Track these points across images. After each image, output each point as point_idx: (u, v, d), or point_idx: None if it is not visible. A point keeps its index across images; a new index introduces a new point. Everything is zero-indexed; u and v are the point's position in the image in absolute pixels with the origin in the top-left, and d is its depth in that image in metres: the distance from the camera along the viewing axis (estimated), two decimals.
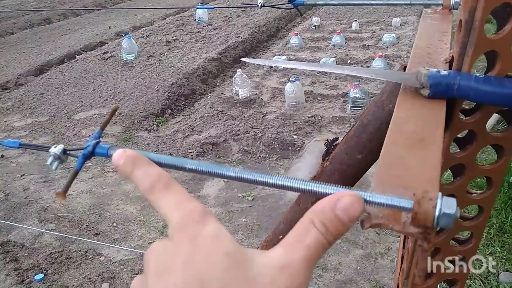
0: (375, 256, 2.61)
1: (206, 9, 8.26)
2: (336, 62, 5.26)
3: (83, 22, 9.26)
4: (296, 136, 3.98)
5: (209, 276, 0.27)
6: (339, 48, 6.00)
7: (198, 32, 7.47)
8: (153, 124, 4.68)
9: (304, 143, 3.90)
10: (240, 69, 4.85)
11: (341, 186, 0.36)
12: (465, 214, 0.70)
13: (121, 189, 3.43)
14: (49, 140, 4.26)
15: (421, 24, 0.79)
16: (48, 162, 0.46)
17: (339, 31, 6.22)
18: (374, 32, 6.50)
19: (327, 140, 0.76)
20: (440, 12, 0.83)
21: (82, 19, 9.62)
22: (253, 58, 6.46)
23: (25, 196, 3.38)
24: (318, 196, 0.36)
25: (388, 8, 7.61)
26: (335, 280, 2.46)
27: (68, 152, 0.47)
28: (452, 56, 0.61)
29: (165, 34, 7.43)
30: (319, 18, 7.27)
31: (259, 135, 4.11)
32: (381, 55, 5.10)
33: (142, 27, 8.32)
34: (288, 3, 0.94)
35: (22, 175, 3.68)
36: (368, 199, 0.34)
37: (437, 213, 0.32)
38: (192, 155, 4.06)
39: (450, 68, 0.59)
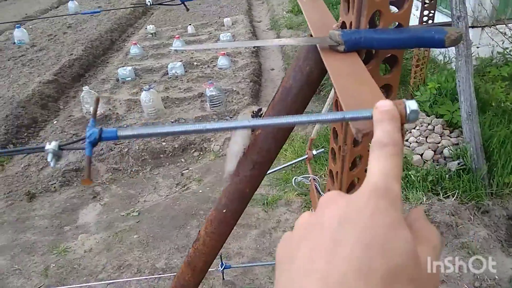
0: (269, 231, 2.84)
1: (24, 30, 7.42)
2: (184, 65, 5.37)
3: None
4: (165, 143, 3.97)
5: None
6: (182, 52, 6.13)
7: (22, 55, 6.67)
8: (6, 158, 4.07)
9: (175, 147, 3.92)
10: (86, 86, 4.55)
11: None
12: None
13: None
14: None
15: (302, 4, 0.95)
16: (49, 159, 0.45)
17: (178, 36, 6.34)
18: (210, 33, 6.82)
19: (253, 111, 0.86)
20: None
21: None
22: (95, 72, 6.10)
23: None
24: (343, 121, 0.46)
25: (217, 10, 8.06)
26: (241, 263, 2.60)
27: (63, 147, 0.47)
28: (342, 22, 0.78)
29: None
30: (153, 25, 7.26)
31: (126, 149, 3.96)
32: (224, 53, 5.41)
33: None
34: None
35: None
36: (354, 116, 0.46)
37: (408, 111, 0.45)
38: (55, 186, 3.68)
39: None
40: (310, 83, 0.79)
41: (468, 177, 2.57)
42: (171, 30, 7.24)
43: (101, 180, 3.73)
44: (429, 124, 3.17)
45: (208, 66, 5.49)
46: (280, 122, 0.48)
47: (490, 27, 3.59)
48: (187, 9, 1.03)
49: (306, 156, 1.31)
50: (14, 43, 7.20)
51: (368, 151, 0.87)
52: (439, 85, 3.28)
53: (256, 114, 0.86)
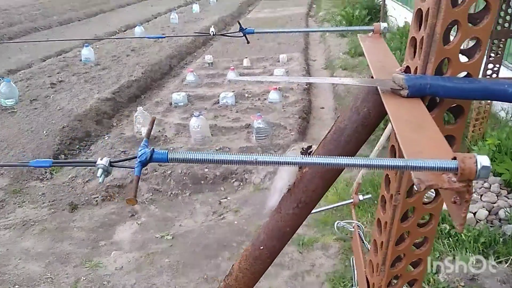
0: (302, 274, 2.72)
1: (91, 49, 7.96)
2: (235, 96, 5.48)
3: None
4: (207, 169, 4.00)
5: None
6: (235, 83, 6.27)
7: (86, 72, 7.12)
8: (46, 172, 4.27)
9: (216, 175, 3.94)
10: (141, 107, 4.75)
11: None
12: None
13: (19, 247, 3.03)
14: None
15: (364, 45, 0.93)
16: (98, 174, 0.45)
17: (233, 67, 6.52)
18: (265, 67, 6.96)
19: (302, 148, 0.83)
20: (373, 36, 0.99)
21: None
22: (151, 95, 6.38)
23: None
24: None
25: (274, 46, 8.25)
26: None
27: (113, 164, 0.46)
28: (407, 67, 0.74)
29: (49, 76, 6.91)
30: (211, 56, 7.53)
31: (169, 172, 4.03)
32: (276, 88, 5.47)
33: (19, 70, 7.62)
34: (239, 32, 1.01)
35: None
36: (418, 165, 0.41)
37: (479, 166, 0.40)
38: (97, 200, 3.79)
39: None
40: (366, 125, 0.75)
41: None
42: (227, 61, 7.47)
43: (141, 200, 3.80)
44: (485, 181, 2.97)
45: (259, 99, 5.56)
46: (334, 162, 0.45)
47: None
48: (248, 42, 1.04)
49: (352, 200, 1.25)
50: (81, 60, 7.72)
51: (423, 204, 0.81)
52: (499, 141, 3.10)
53: (306, 151, 0.83)
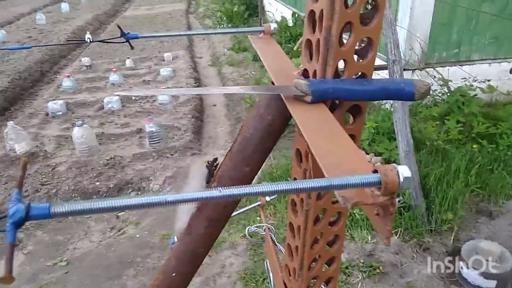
0: (213, 278, 2.68)
1: None
2: (121, 100, 5.15)
3: None
4: (99, 183, 3.69)
5: None
6: (119, 86, 5.90)
7: None
8: None
9: (110, 188, 3.66)
10: (11, 121, 4.18)
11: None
12: None
13: None
14: None
15: (257, 47, 0.90)
16: None
17: (115, 69, 6.13)
18: (150, 67, 6.68)
19: (208, 162, 0.77)
20: (264, 37, 0.97)
21: None
22: (22, 106, 5.65)
23: None
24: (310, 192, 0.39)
25: (157, 44, 7.97)
26: None
27: None
28: (304, 70, 0.73)
29: None
30: (89, 58, 6.97)
31: (54, 190, 3.64)
32: (165, 88, 5.29)
33: None
34: (121, 37, 0.91)
35: None
36: (343, 183, 0.39)
37: (401, 178, 0.39)
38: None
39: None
40: (272, 132, 0.72)
41: (409, 215, 2.64)
42: (107, 63, 6.99)
43: (25, 226, 3.34)
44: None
45: (148, 101, 5.32)
46: (242, 192, 0.41)
47: (420, 70, 3.85)
48: (132, 47, 0.93)
49: (259, 202, 1.23)
50: None
51: (332, 203, 0.82)
52: (377, 124, 3.42)
53: (211, 165, 0.77)
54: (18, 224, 0.34)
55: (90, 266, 2.85)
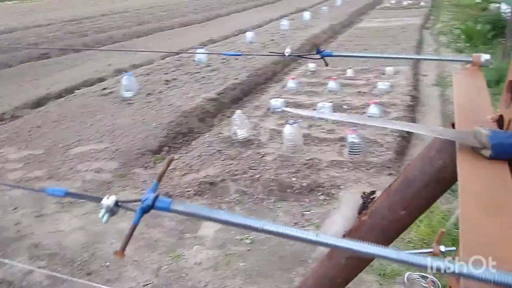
0: None
1: (205, 51, 8.47)
2: (333, 107, 5.36)
3: (83, 58, 9.39)
4: (294, 179, 3.97)
5: None
6: (335, 94, 6.14)
7: (197, 72, 7.61)
8: (150, 161, 4.65)
9: (303, 186, 3.88)
10: (239, 110, 4.91)
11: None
12: None
13: (115, 227, 3.34)
14: (44, 174, 4.18)
15: (455, 80, 0.81)
16: (100, 215, 0.45)
17: (335, 77, 6.39)
18: (369, 79, 6.69)
19: (364, 193, 0.75)
20: (470, 69, 0.86)
21: (82, 55, 9.76)
22: (252, 98, 6.56)
23: (17, 231, 3.28)
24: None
25: None
26: None
27: (120, 204, 0.46)
28: (501, 115, 0.62)
29: (165, 73, 7.55)
30: (315, 64, 7.48)
31: (257, 176, 4.09)
32: (377, 102, 5.22)
33: (142, 66, 8.45)
34: (316, 54, 0.96)
35: (14, 209, 3.58)
36: (477, 275, 0.33)
37: None
38: (189, 194, 4.01)
39: (500, 127, 0.60)
40: (441, 180, 0.65)
41: None
42: (330, 70, 7.35)
43: (229, 199, 3.91)
44: None
45: (358, 112, 5.36)
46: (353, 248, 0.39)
47: None
48: (326, 64, 0.98)
49: (431, 250, 1.11)
50: (194, 61, 8.28)
51: None
52: None
53: (367, 197, 0.75)
54: (145, 210, 0.43)
55: (268, 252, 3.12)
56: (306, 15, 13.40)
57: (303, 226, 3.48)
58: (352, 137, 4.17)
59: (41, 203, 3.67)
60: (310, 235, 0.37)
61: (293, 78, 6.56)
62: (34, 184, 4.03)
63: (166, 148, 4.95)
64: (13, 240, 3.18)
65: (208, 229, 3.48)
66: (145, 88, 6.66)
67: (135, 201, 0.43)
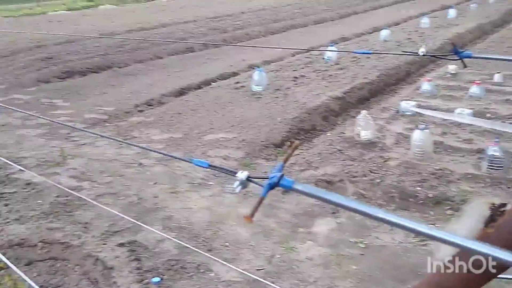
0: None
1: (335, 48, 8.41)
2: (473, 114, 4.85)
3: (220, 53, 10.17)
4: (419, 188, 3.73)
5: None
6: (477, 100, 5.53)
7: (325, 70, 7.61)
8: (272, 153, 4.84)
9: (428, 197, 3.62)
10: (365, 110, 4.78)
11: None
12: None
13: (236, 211, 3.59)
14: (180, 155, 4.69)
15: None
16: (234, 186, 0.52)
17: (479, 81, 5.75)
18: None
19: (493, 204, 0.70)
20: None
21: (220, 50, 10.58)
22: (380, 99, 6.32)
23: (154, 203, 3.75)
24: None
25: None
26: None
27: (251, 179, 0.52)
28: None
29: (293, 70, 7.73)
30: (456, 66, 6.84)
31: (378, 180, 3.96)
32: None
33: (273, 62, 8.80)
34: (453, 54, 0.91)
35: (154, 183, 4.11)
36: None
37: None
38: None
39: None
40: None
41: None
42: (473, 74, 6.64)
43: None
44: None
45: (503, 121, 4.76)
46: None
47: None
48: (465, 66, 0.92)
49: None
50: (323, 58, 8.29)
51: None
52: None
53: (496, 209, 0.70)
54: (271, 186, 0.48)
55: (383, 259, 3.00)
56: (451, 12, 12.28)
57: (424, 239, 3.25)
58: (493, 150, 3.74)
59: (176, 181, 4.14)
60: (435, 231, 0.38)
61: (429, 80, 6.11)
62: (171, 164, 4.55)
63: (288, 143, 5.10)
64: (150, 210, 3.66)
65: (322, 227, 3.50)
66: (273, 83, 6.93)
67: (263, 178, 0.50)
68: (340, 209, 3.70)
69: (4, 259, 2.86)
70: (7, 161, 4.14)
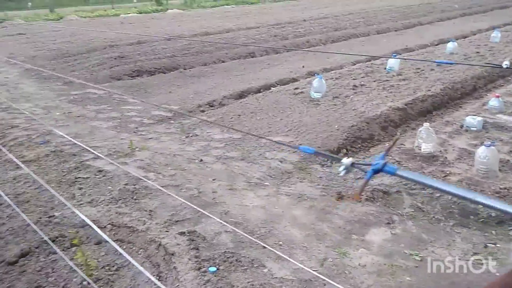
0: None
1: (398, 59, 8.25)
2: None
3: (281, 59, 10.33)
4: (481, 206, 3.60)
5: None
6: None
7: (387, 80, 7.50)
8: (327, 160, 4.87)
9: (491, 215, 3.50)
10: (427, 123, 4.68)
11: None
12: None
13: (290, 213, 3.68)
14: (238, 155, 4.87)
15: None
16: (340, 169, 0.62)
17: None
18: None
19: None
20: None
21: (280, 56, 10.75)
22: (443, 113, 6.13)
23: (213, 198, 3.94)
24: None
25: None
26: None
27: (355, 164, 0.62)
28: None
29: (353, 79, 7.69)
30: None
31: (437, 194, 3.87)
32: None
33: (332, 70, 8.80)
34: None
35: (213, 179, 4.30)
36: None
37: None
38: (361, 199, 4.08)
39: None
40: None
41: None
42: None
43: (402, 212, 3.82)
44: None
45: None
46: None
47: None
48: None
49: None
50: (385, 68, 8.17)
51: None
52: None
53: None
54: (375, 171, 0.57)
55: (437, 275, 2.95)
56: None
57: (485, 258, 3.15)
58: None
59: (233, 179, 4.31)
60: None
61: (498, 96, 5.84)
62: (230, 162, 4.73)
63: (344, 151, 5.10)
64: (209, 204, 3.84)
65: (376, 236, 3.50)
66: (332, 91, 6.94)
67: (366, 164, 0.59)
68: (397, 219, 3.68)
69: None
70: (86, 147, 4.52)
